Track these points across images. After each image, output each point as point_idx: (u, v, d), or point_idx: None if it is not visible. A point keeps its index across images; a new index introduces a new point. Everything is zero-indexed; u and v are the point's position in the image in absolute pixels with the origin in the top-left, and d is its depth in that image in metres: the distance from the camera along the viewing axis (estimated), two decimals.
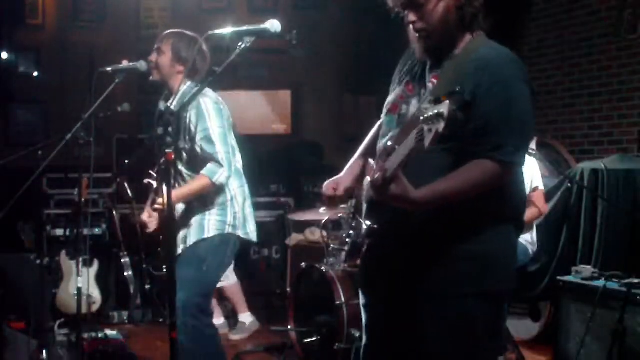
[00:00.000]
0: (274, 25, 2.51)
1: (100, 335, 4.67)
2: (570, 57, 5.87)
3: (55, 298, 5.24)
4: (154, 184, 3.30)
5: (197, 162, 3.28)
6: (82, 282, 3.58)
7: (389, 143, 2.07)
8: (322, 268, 4.40)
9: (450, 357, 2.13)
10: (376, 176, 1.91)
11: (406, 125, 2.09)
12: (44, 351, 4.10)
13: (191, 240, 3.30)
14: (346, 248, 2.39)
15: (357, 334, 4.07)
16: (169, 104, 3.31)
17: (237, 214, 3.36)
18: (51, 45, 7.21)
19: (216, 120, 3.25)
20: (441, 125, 1.69)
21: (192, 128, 3.24)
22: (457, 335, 2.10)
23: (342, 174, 2.42)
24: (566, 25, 5.92)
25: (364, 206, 2.22)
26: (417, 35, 2.12)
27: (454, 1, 2.08)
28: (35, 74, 7.12)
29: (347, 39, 8.15)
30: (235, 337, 5.16)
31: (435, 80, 2.13)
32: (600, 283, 3.52)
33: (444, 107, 1.70)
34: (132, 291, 5.60)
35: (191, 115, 3.23)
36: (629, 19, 5.39)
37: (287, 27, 4.77)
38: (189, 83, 3.35)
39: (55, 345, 4.44)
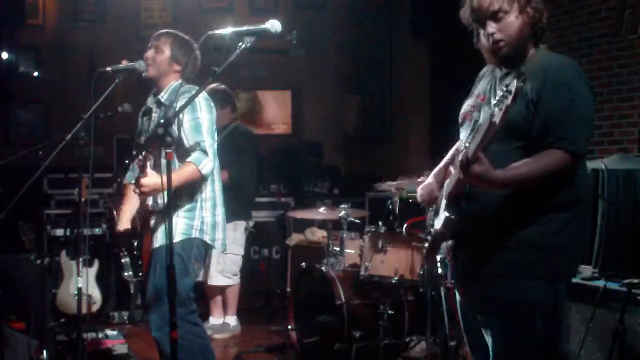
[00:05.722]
0: (274, 25, 2.52)
1: (100, 335, 4.66)
2: (570, 57, 5.82)
3: (55, 298, 5.24)
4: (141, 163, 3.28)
5: (183, 152, 3.25)
6: (82, 282, 3.57)
7: (467, 144, 2.23)
8: (322, 268, 4.40)
9: (508, 338, 2.32)
10: (460, 157, 2.12)
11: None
12: (44, 351, 4.10)
13: (157, 243, 3.28)
14: (426, 245, 2.55)
15: (357, 334, 4.07)
16: (159, 97, 3.38)
17: (204, 218, 3.32)
18: (51, 45, 7.21)
19: (206, 114, 3.28)
20: (509, 100, 1.92)
21: (180, 117, 3.18)
22: (513, 317, 2.29)
23: (429, 180, 2.63)
24: (566, 25, 5.92)
25: (443, 201, 2.41)
26: (492, 45, 2.34)
27: (529, 18, 2.33)
28: (35, 74, 7.12)
29: (347, 39, 8.15)
30: (218, 336, 5.15)
31: None
32: (600, 283, 3.51)
33: (512, 85, 1.93)
34: (132, 291, 5.60)
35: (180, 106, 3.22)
36: (629, 19, 5.38)
37: (287, 27, 4.76)
38: (179, 80, 3.39)
39: (55, 345, 4.43)
